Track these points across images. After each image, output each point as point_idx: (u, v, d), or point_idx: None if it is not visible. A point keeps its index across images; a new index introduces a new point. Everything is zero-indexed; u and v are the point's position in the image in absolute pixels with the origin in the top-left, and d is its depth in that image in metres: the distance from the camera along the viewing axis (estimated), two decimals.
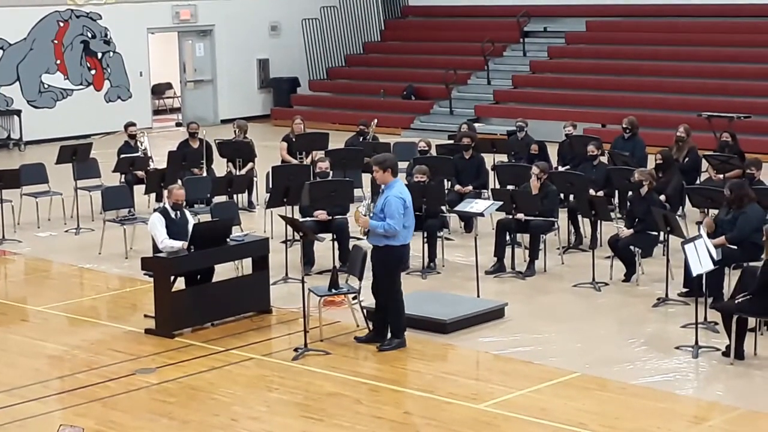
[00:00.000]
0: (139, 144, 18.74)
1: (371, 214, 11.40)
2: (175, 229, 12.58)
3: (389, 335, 11.62)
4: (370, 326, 11.86)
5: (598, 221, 14.68)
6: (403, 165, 15.50)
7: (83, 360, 11.55)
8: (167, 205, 12.86)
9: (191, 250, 12.25)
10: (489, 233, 15.01)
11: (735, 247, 12.57)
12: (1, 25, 25.85)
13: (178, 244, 12.37)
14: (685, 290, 12.81)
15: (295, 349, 11.48)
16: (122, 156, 18.30)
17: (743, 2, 26.11)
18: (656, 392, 10.32)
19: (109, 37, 27.63)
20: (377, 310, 11.74)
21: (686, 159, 17.06)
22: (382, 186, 11.51)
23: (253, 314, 12.73)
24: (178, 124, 29.13)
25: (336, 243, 14.15)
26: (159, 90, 31.40)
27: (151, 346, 11.88)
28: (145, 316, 12.66)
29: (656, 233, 13.86)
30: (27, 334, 12.51)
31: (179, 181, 15.88)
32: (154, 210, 13.64)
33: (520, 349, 11.52)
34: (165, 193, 13.47)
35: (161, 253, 12.46)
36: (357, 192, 16.42)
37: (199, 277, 12.61)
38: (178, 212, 12.78)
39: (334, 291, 12.00)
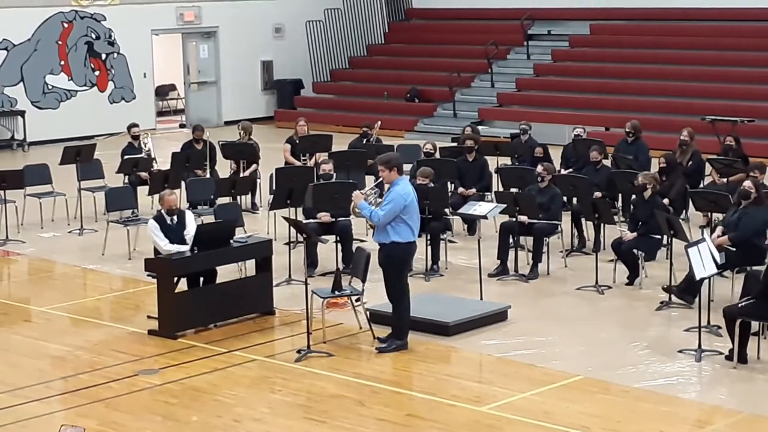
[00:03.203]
0: (142, 145, 18.73)
1: (374, 202, 11.42)
2: (171, 235, 12.55)
3: (390, 335, 11.62)
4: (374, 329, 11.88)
5: (602, 224, 14.69)
6: (406, 167, 15.46)
7: (86, 361, 11.55)
8: (162, 211, 12.84)
9: (194, 251, 12.26)
10: (492, 236, 15.00)
11: (734, 249, 12.56)
12: (6, 25, 25.87)
13: (182, 249, 12.35)
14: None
15: (298, 351, 11.47)
16: (126, 157, 18.29)
17: (747, 6, 26.09)
18: (659, 396, 10.31)
19: (113, 38, 27.65)
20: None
21: (690, 163, 17.06)
22: (387, 185, 11.53)
23: (256, 316, 12.72)
24: (182, 126, 29.15)
25: (339, 245, 14.15)
26: (163, 91, 31.37)
27: (154, 347, 11.88)
28: (148, 317, 12.66)
29: (659, 237, 13.86)
30: (30, 335, 12.51)
31: (183, 184, 15.89)
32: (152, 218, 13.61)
33: (523, 352, 11.51)
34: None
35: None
36: None
37: (202, 279, 12.62)
38: (174, 217, 12.72)
39: (337, 293, 11.99)
